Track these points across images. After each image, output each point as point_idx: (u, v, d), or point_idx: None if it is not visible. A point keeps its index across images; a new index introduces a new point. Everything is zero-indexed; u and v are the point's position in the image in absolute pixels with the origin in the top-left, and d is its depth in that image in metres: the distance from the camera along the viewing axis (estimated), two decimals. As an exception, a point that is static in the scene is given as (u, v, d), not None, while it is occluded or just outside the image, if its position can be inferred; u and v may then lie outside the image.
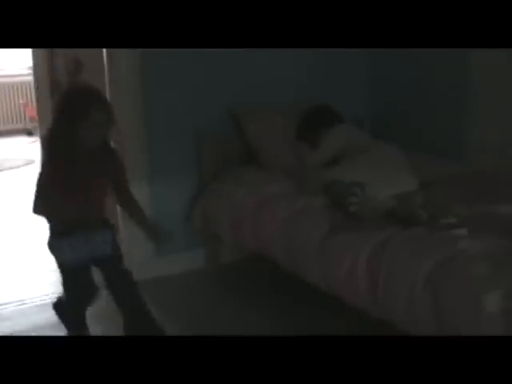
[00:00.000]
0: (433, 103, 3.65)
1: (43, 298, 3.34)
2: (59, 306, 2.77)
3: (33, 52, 5.03)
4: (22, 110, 8.91)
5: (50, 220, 2.60)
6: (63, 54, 4.54)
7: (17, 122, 9.00)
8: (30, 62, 6.45)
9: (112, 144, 2.65)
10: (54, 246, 2.59)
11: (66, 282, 2.65)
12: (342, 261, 2.48)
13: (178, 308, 3.07)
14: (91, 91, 2.55)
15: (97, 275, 2.63)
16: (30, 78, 6.95)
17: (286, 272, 2.90)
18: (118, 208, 3.04)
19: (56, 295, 2.87)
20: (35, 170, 6.47)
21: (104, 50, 3.43)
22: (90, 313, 2.72)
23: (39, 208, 2.58)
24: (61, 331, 2.87)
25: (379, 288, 2.32)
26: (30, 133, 8.56)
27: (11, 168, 6.75)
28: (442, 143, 3.55)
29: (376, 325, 2.47)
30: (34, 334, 2.91)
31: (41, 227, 4.61)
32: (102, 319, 2.85)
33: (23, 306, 3.26)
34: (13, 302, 3.31)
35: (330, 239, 2.59)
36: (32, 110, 7.86)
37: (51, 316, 3.05)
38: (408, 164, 3.01)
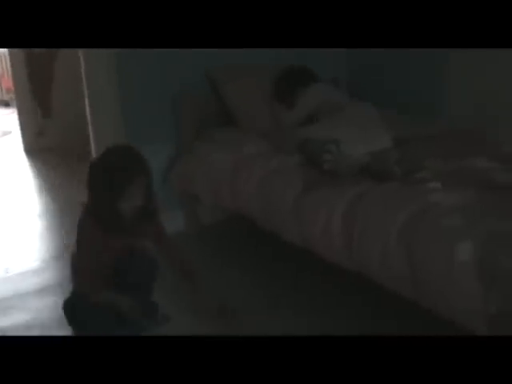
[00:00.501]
0: (408, 62, 3.67)
1: (28, 265, 3.36)
2: (69, 306, 2.67)
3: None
4: (-3, 81, 8.81)
5: (89, 292, 2.53)
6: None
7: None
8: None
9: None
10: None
11: None
12: (317, 217, 2.52)
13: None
14: (129, 161, 2.48)
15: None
16: (5, 49, 6.88)
17: (265, 231, 2.96)
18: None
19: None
20: (12, 140, 6.46)
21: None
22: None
23: (82, 284, 2.54)
24: (44, 297, 2.92)
25: (354, 242, 2.37)
26: (6, 104, 8.47)
27: (-12, 139, 6.71)
28: (417, 101, 3.59)
29: (352, 278, 2.54)
30: (17, 300, 2.94)
31: (23, 196, 4.67)
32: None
33: (8, 273, 3.27)
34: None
35: (304, 196, 2.63)
36: (8, 81, 7.76)
37: (35, 282, 3.11)
38: (383, 122, 3.04)
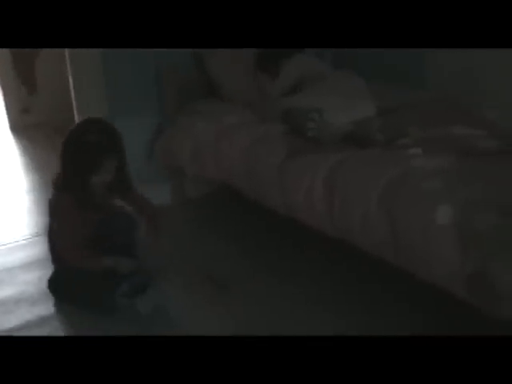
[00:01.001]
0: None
1: (16, 239, 3.38)
2: (54, 283, 2.72)
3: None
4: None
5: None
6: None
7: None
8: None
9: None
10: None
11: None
12: (300, 184, 2.54)
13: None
14: (104, 137, 2.51)
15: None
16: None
17: (250, 200, 2.98)
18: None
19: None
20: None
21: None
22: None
23: (69, 257, 2.56)
24: (32, 271, 2.94)
25: (335, 208, 2.40)
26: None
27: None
28: (400, 71, 3.60)
29: (336, 245, 2.58)
30: (5, 274, 2.96)
31: (11, 172, 4.67)
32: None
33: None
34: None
35: (288, 164, 2.64)
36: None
37: (24, 257, 3.13)
38: (367, 91, 3.05)
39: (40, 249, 3.18)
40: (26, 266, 3.02)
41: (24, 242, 3.33)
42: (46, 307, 2.64)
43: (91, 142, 2.47)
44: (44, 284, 2.73)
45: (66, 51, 3.43)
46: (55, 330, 2.50)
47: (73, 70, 3.45)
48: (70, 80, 3.49)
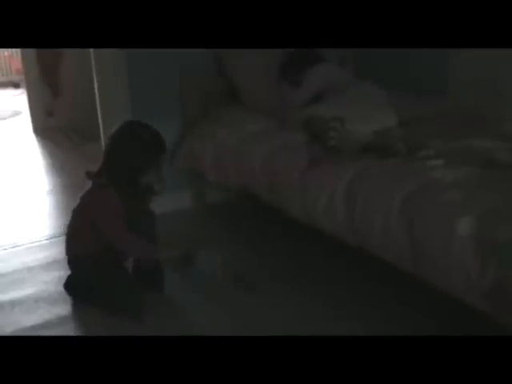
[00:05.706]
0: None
1: (37, 240, 3.43)
2: (70, 287, 2.77)
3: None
4: (7, 62, 8.85)
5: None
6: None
7: (2, 75, 8.97)
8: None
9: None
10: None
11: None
12: (321, 193, 2.55)
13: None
14: (160, 141, 2.62)
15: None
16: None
17: (270, 208, 2.99)
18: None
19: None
20: (22, 121, 6.50)
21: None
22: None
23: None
24: (51, 271, 2.97)
25: (356, 217, 2.40)
26: (16, 85, 8.52)
27: (-1, 119, 6.78)
28: (421, 81, 3.60)
29: (356, 254, 2.58)
30: (26, 273, 3.00)
31: (33, 174, 4.73)
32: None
33: (16, 248, 3.33)
34: (6, 245, 3.38)
35: (309, 173, 2.65)
36: (17, 62, 7.80)
37: (44, 257, 3.17)
38: (388, 101, 3.05)
39: (61, 249, 3.21)
40: (47, 265, 3.06)
41: (45, 242, 3.37)
42: (66, 307, 2.68)
43: (150, 141, 2.58)
44: (62, 284, 2.77)
45: (92, 54, 3.48)
46: (74, 329, 2.53)
47: (97, 73, 3.49)
48: (95, 83, 3.53)
